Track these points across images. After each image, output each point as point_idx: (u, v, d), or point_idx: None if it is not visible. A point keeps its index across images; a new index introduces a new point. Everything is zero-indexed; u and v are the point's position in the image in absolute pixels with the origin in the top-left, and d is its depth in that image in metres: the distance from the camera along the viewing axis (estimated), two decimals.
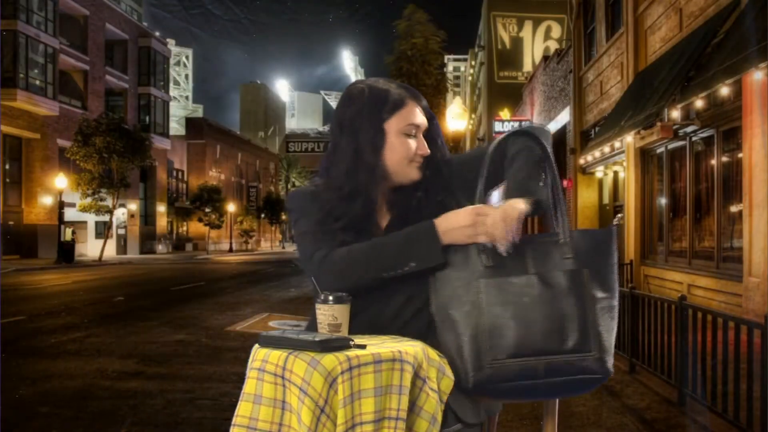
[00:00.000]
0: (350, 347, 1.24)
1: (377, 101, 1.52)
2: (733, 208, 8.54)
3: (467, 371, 1.31)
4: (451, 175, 1.57)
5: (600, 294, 1.34)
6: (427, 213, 1.46)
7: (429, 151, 1.54)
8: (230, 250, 47.32)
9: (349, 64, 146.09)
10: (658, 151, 11.35)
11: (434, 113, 1.60)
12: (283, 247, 61.94)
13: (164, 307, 10.81)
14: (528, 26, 41.93)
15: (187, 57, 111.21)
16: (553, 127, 19.24)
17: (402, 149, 1.51)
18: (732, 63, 6.90)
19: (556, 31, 41.23)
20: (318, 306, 1.36)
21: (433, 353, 1.32)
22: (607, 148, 12.38)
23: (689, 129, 9.67)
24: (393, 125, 1.51)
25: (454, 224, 1.38)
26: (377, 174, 1.50)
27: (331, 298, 1.34)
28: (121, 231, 36.12)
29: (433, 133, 1.57)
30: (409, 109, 1.52)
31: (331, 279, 1.40)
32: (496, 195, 1.46)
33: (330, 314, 1.34)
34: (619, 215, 13.08)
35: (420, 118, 1.53)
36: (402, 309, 1.44)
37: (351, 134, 1.51)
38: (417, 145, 1.53)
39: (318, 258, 1.43)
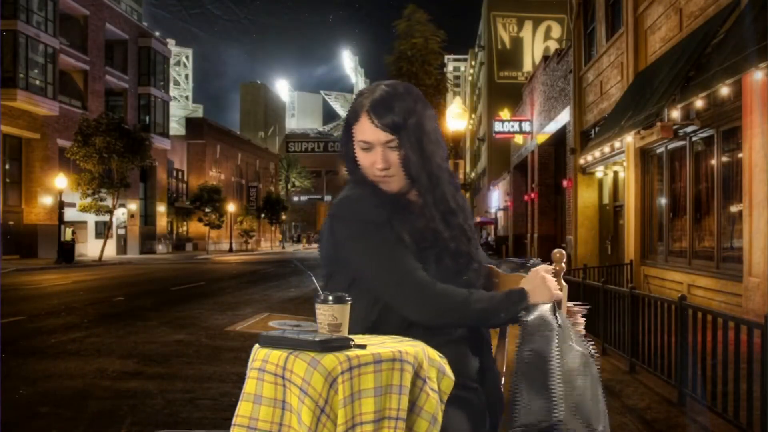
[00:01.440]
0: (350, 347, 1.24)
1: (350, 111, 1.55)
2: (733, 208, 8.55)
3: (557, 404, 1.33)
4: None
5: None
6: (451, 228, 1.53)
7: (381, 165, 1.48)
8: (230, 250, 47.31)
9: (349, 64, 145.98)
10: (658, 151, 11.35)
11: (419, 122, 1.49)
12: (283, 247, 61.94)
13: (164, 307, 10.81)
14: (528, 26, 42.00)
15: (187, 57, 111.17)
16: (553, 127, 19.25)
17: (363, 162, 1.53)
18: (732, 63, 6.90)
19: (556, 31, 41.28)
20: (318, 306, 1.36)
21: (433, 353, 1.32)
22: (607, 148, 12.38)
23: (689, 129, 9.68)
24: (355, 137, 1.53)
25: (537, 286, 1.44)
26: (359, 177, 1.54)
27: (330, 298, 1.34)
28: (121, 231, 36.12)
29: (407, 149, 1.49)
30: (360, 125, 1.50)
31: (432, 315, 1.42)
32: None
33: (330, 314, 1.34)
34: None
35: (370, 135, 1.49)
36: None
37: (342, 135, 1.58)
38: (373, 160, 1.50)
39: (418, 284, 1.42)
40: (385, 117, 1.48)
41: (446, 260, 1.50)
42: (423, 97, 1.55)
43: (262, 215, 57.74)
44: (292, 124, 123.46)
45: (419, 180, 1.51)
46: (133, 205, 36.83)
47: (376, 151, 1.49)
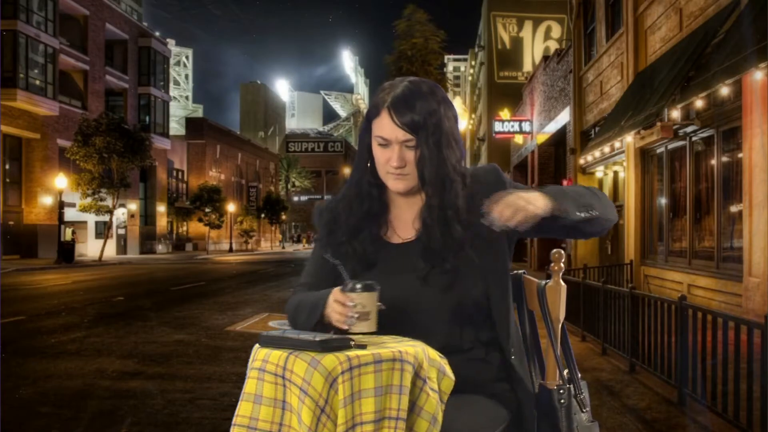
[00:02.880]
0: (351, 347, 1.24)
1: (371, 104, 1.55)
2: (733, 208, 8.55)
3: None
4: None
5: None
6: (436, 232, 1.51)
7: (396, 164, 1.47)
8: (230, 250, 47.30)
9: (349, 64, 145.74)
10: (658, 151, 11.35)
11: (438, 124, 1.46)
12: (283, 247, 61.92)
13: (164, 307, 10.81)
14: (528, 26, 41.94)
15: (187, 57, 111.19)
16: (553, 127, 19.24)
17: (378, 157, 1.51)
18: (732, 63, 6.90)
19: (556, 31, 41.23)
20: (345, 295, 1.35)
21: (433, 353, 1.32)
22: (607, 148, 12.38)
23: (689, 129, 9.68)
24: (373, 132, 1.51)
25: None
26: (365, 179, 1.55)
27: (358, 286, 1.33)
28: (121, 231, 36.11)
29: (423, 150, 1.47)
30: (380, 120, 1.49)
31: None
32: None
33: (358, 303, 1.33)
34: None
35: (388, 132, 1.47)
36: None
37: (360, 133, 1.58)
38: (389, 157, 1.49)
39: (292, 295, 1.61)
40: (405, 116, 1.46)
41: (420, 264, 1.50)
42: (447, 98, 1.52)
43: (262, 215, 57.71)
44: (292, 124, 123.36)
45: (430, 182, 1.50)
46: (133, 205, 36.82)
47: (392, 149, 1.48)
